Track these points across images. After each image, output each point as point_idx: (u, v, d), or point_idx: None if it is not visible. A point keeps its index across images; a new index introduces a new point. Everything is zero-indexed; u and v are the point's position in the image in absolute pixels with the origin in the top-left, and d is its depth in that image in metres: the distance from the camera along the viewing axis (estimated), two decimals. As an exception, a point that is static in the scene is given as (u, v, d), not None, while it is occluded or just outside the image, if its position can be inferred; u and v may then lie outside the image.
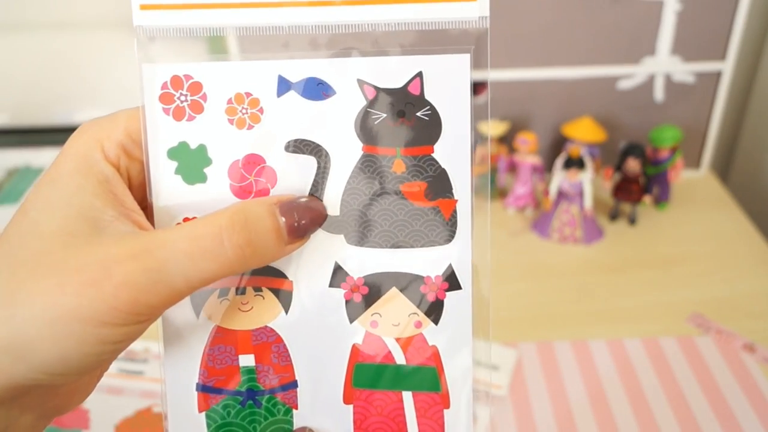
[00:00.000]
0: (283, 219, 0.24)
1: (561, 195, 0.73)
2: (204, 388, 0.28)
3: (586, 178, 0.72)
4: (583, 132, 0.76)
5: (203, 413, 0.28)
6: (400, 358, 0.28)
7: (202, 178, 0.27)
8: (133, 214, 0.25)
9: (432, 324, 0.28)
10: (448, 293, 0.27)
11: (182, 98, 0.26)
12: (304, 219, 0.25)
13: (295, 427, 0.28)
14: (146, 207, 0.26)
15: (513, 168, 0.78)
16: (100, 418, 0.54)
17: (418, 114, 0.26)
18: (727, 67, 0.77)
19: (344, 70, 0.26)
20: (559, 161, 0.73)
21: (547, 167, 0.82)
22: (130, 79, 0.27)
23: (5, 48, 0.87)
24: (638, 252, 0.72)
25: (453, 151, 0.26)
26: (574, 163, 0.71)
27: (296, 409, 0.28)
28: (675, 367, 0.57)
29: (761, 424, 0.52)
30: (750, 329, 0.61)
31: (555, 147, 0.82)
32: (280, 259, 0.26)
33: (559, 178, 0.73)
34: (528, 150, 0.75)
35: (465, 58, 0.26)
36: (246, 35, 0.25)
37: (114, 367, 0.58)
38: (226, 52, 0.27)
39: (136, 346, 0.60)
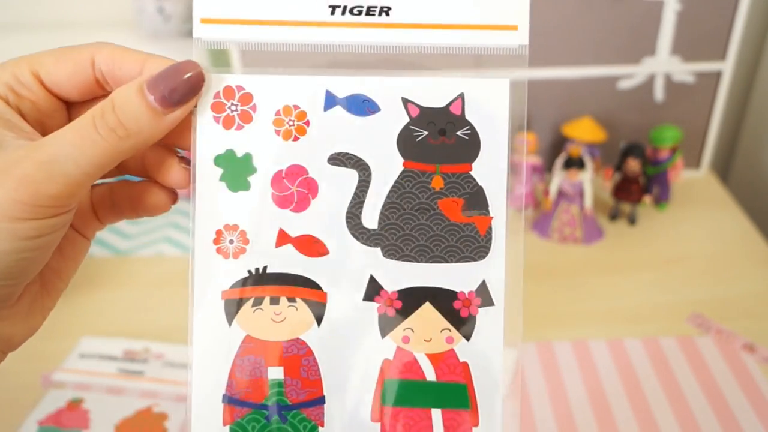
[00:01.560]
0: (152, 96, 0.25)
1: (561, 195, 0.73)
2: (231, 400, 0.27)
3: (586, 178, 0.72)
4: (583, 132, 0.76)
5: (227, 427, 0.28)
6: (430, 375, 0.28)
7: (246, 186, 0.27)
8: (34, 136, 0.26)
9: (464, 340, 0.28)
10: (480, 309, 0.27)
11: (233, 108, 0.27)
12: (174, 86, 0.25)
13: None
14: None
15: (513, 168, 0.78)
16: (100, 418, 0.54)
17: (459, 133, 0.27)
18: (727, 67, 0.77)
19: (389, 88, 0.27)
20: (559, 161, 0.73)
21: (547, 167, 0.82)
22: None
23: (5, 48, 0.87)
24: (638, 252, 0.72)
25: (490, 170, 0.27)
26: (574, 163, 0.71)
27: (322, 426, 0.28)
28: (675, 367, 0.57)
29: (761, 424, 0.52)
30: (750, 329, 0.61)
31: (555, 147, 0.82)
32: (166, 130, 0.26)
33: (559, 178, 0.73)
34: (528, 150, 0.75)
35: (504, 83, 0.27)
36: (298, 51, 0.27)
37: (114, 367, 0.58)
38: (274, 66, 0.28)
39: (136, 346, 0.60)
